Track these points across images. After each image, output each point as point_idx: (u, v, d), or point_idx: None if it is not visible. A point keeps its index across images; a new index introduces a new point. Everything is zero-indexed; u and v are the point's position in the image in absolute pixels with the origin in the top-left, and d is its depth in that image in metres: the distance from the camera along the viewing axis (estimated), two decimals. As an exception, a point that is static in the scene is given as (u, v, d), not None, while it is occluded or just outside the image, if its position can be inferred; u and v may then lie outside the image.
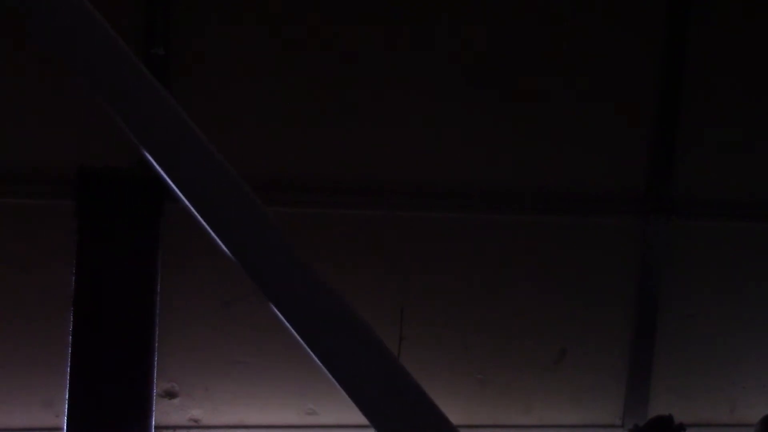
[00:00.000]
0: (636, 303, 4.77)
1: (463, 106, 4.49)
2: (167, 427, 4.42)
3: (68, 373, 3.72)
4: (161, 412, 4.32)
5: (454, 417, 1.64)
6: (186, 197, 1.15)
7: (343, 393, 1.17)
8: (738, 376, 4.94)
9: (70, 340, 3.70)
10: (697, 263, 4.83)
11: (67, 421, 3.73)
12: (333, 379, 1.13)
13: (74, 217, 3.70)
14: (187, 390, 4.44)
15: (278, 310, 1.13)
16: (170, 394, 4.42)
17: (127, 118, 1.15)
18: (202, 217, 1.14)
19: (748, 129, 4.79)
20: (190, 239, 4.26)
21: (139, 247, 3.74)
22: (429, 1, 4.43)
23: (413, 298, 4.52)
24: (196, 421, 4.47)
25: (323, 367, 1.11)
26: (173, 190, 1.16)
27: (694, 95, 4.67)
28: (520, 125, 4.56)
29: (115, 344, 3.72)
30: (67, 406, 3.73)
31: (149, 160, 1.17)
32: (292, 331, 1.12)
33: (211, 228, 1.14)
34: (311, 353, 1.12)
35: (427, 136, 4.48)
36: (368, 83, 4.41)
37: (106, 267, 3.71)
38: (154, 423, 3.87)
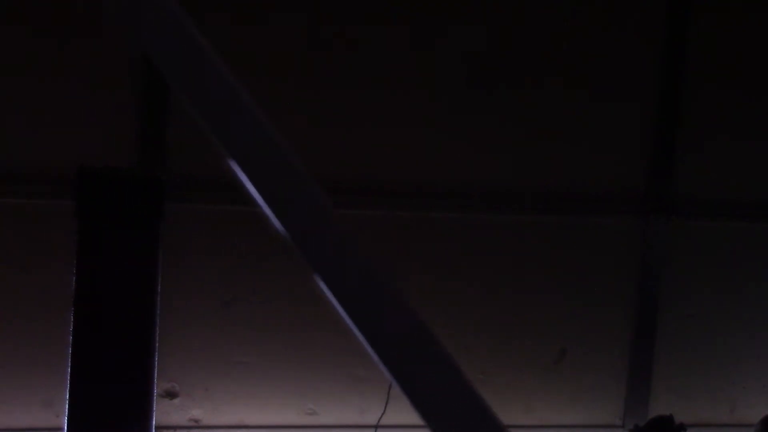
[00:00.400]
0: (636, 303, 4.77)
1: (463, 106, 4.49)
2: (167, 427, 4.42)
3: (68, 373, 3.71)
4: (161, 412, 4.32)
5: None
6: (271, 209, 1.11)
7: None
8: (738, 376, 4.93)
9: (70, 340, 3.70)
10: (697, 263, 4.82)
11: (67, 421, 3.73)
12: (402, 391, 1.09)
13: (74, 217, 3.69)
14: (187, 390, 4.44)
15: (355, 326, 1.10)
16: (170, 394, 4.42)
17: (218, 129, 1.11)
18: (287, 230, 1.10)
19: (748, 129, 4.79)
20: (190, 239, 4.28)
21: (139, 247, 3.74)
22: (429, 1, 4.43)
23: (413, 298, 4.50)
24: (196, 421, 4.47)
25: (394, 379, 1.08)
26: (252, 195, 1.12)
27: (694, 95, 4.67)
28: (520, 125, 4.56)
29: (115, 344, 3.72)
30: (67, 406, 3.73)
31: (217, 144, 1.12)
32: (358, 333, 1.09)
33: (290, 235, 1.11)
34: (388, 372, 1.09)
35: (427, 136, 4.48)
36: (368, 83, 4.41)
37: (106, 267, 3.70)
38: (154, 423, 3.87)
